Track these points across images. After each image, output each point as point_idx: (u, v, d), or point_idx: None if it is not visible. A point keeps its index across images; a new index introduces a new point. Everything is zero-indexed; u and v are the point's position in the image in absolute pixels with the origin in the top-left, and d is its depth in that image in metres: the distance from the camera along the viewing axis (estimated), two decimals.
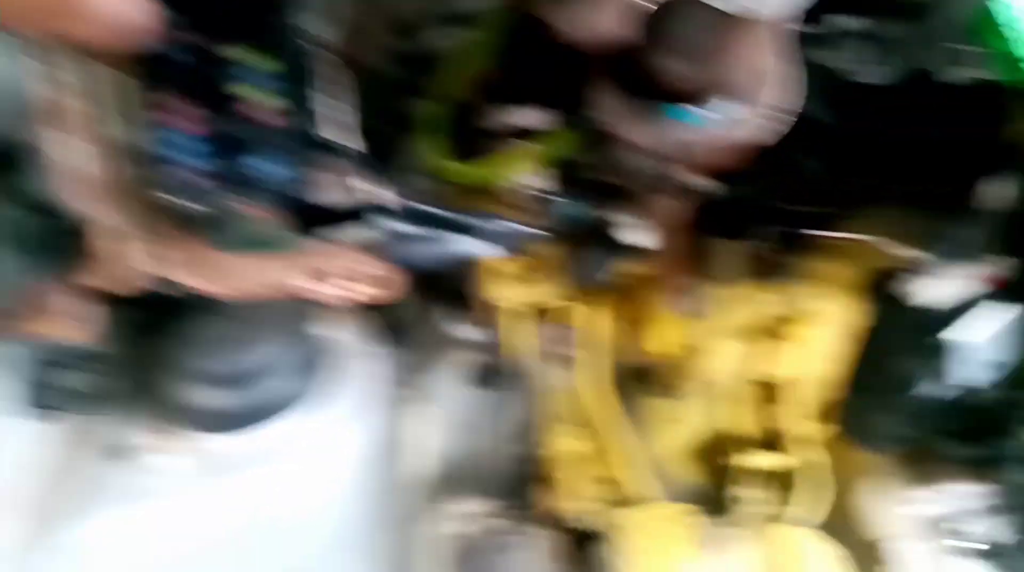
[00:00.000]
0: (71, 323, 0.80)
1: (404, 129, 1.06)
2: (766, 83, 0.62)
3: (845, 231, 1.00)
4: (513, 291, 1.17)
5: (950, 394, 0.93)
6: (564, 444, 1.30)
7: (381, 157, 1.03)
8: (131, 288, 0.80)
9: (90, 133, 0.63)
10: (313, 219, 1.07)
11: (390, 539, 1.25)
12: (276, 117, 0.68)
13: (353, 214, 1.04)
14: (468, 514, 1.28)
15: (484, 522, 1.27)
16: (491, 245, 0.80)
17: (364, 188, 0.77)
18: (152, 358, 1.00)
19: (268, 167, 0.72)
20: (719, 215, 1.11)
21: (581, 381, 1.29)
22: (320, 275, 0.81)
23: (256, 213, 0.86)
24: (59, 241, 0.97)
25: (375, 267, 0.79)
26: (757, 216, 1.08)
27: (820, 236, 1.07)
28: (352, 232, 1.02)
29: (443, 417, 1.33)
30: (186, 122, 0.67)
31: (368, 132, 1.01)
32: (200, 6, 0.63)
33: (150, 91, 0.65)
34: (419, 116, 0.94)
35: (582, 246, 1.00)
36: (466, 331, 1.30)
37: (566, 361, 1.32)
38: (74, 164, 0.63)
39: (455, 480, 1.34)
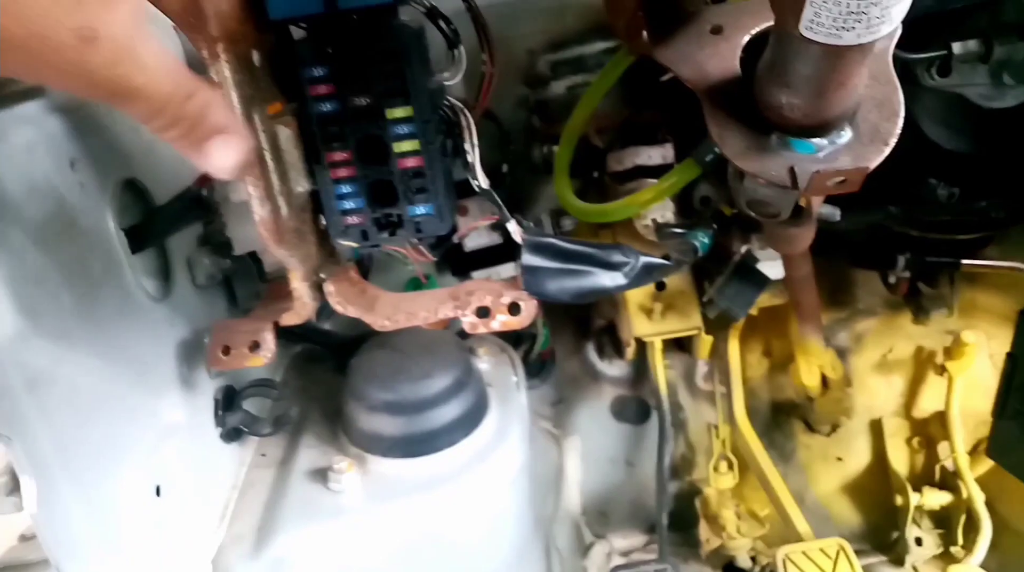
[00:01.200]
0: (258, 354, 0.92)
1: (537, 172, 1.16)
2: (875, 110, 0.65)
3: (990, 259, 0.98)
4: (655, 326, 1.20)
5: None
6: (720, 480, 1.30)
7: (518, 198, 1.12)
8: (307, 321, 0.91)
9: (275, 183, 0.74)
10: (463, 257, 1.18)
11: (549, 569, 1.30)
12: (426, 166, 0.78)
13: (498, 251, 1.14)
14: (629, 549, 1.31)
15: (645, 557, 1.28)
16: (626, 278, 0.85)
17: (507, 227, 0.85)
18: (337, 388, 1.12)
19: (422, 211, 0.81)
20: (857, 245, 1.11)
21: (735, 416, 1.29)
22: (471, 307, 0.89)
23: (415, 254, 0.97)
24: (246, 280, 1.13)
25: (519, 298, 0.86)
26: (896, 245, 1.07)
27: (966, 265, 1.04)
28: (499, 269, 1.11)
29: (591, 451, 1.38)
30: (351, 173, 0.79)
31: (503, 174, 1.11)
32: (355, 70, 0.74)
33: (321, 146, 0.76)
34: (554, 159, 1.02)
35: (724, 279, 1.03)
36: (611, 366, 1.35)
37: (715, 396, 1.35)
38: (262, 211, 0.75)
39: (608, 513, 1.37)
